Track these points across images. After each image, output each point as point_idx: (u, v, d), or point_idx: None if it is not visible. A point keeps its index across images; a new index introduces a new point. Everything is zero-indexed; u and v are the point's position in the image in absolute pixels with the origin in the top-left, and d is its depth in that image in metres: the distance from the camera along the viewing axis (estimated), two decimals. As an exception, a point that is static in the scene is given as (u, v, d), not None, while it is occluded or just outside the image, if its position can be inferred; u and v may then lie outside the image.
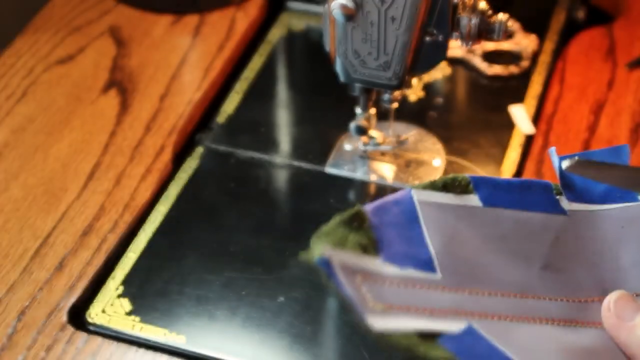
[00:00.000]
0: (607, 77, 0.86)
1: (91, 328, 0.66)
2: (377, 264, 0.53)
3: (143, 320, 0.66)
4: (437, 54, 0.68)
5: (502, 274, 0.56)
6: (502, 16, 0.66)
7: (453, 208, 0.56)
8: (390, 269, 0.53)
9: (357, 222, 0.54)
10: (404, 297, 0.53)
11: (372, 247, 0.53)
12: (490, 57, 0.88)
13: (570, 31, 0.92)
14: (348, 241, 0.53)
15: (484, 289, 0.55)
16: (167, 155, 0.78)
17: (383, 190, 0.76)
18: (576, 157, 0.54)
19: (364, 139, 0.77)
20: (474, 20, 0.66)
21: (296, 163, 0.79)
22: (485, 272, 0.55)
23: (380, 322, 0.52)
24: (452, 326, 0.52)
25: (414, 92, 0.85)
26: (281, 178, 0.78)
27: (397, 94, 0.73)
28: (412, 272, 0.54)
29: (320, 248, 0.51)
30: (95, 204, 0.74)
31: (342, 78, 0.71)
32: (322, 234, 0.53)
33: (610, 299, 0.53)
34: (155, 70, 0.86)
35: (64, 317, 0.66)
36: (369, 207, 0.54)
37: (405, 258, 0.54)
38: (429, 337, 0.52)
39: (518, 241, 0.57)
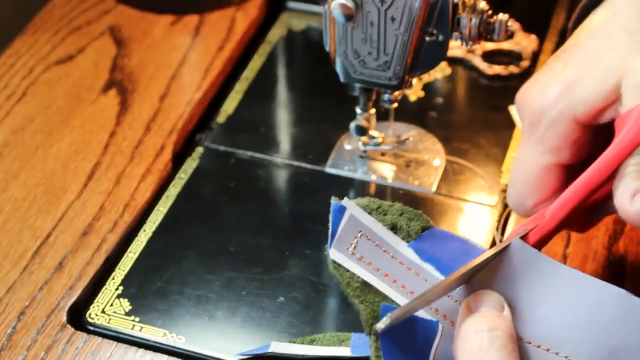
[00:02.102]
0: (607, 77, 0.85)
1: (91, 328, 0.66)
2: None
3: (143, 321, 0.66)
4: (437, 54, 0.68)
5: None
6: (502, 16, 0.66)
7: None
8: None
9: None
10: (389, 264, 0.53)
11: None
12: (490, 57, 0.88)
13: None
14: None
15: None
16: (167, 155, 0.78)
17: (383, 190, 0.76)
18: (389, 315, 0.49)
19: (364, 139, 0.77)
20: (474, 20, 0.66)
21: (296, 163, 0.79)
22: None
23: (339, 256, 0.52)
24: (411, 309, 0.50)
25: (414, 92, 0.85)
26: (281, 178, 0.78)
27: (397, 94, 0.73)
28: None
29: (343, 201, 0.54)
30: (95, 204, 0.74)
31: (342, 78, 0.71)
32: None
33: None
34: (155, 70, 0.86)
35: (63, 317, 0.66)
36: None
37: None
38: (375, 293, 0.52)
39: None
